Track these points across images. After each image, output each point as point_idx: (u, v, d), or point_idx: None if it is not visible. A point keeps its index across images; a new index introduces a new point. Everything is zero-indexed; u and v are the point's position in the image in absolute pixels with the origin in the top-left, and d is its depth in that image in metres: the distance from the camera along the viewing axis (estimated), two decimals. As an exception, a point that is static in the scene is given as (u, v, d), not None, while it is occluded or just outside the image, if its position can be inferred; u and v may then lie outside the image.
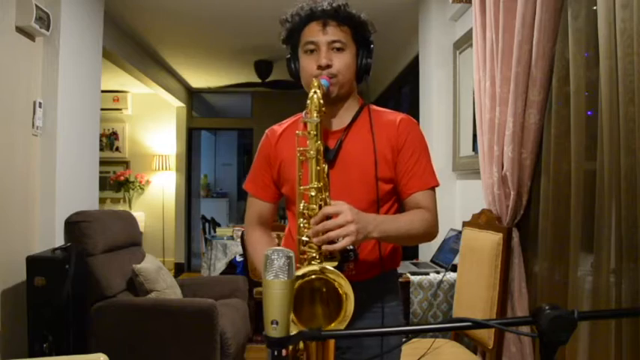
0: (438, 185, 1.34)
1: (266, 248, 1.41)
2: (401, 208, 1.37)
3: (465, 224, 2.46)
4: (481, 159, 2.36)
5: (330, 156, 1.27)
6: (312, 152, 1.16)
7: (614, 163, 1.47)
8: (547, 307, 0.76)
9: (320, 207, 1.16)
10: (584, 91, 1.70)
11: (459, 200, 3.23)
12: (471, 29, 2.67)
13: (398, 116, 1.36)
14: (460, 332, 2.34)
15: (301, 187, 1.19)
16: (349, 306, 1.08)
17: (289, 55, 1.35)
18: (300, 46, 1.30)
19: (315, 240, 1.12)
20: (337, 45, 1.26)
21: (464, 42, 3.09)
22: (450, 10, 3.22)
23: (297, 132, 1.21)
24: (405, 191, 1.31)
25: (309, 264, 1.14)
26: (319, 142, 1.16)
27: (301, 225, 1.19)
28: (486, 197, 2.30)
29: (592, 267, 1.64)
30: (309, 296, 1.12)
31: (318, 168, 1.17)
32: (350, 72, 1.29)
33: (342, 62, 1.27)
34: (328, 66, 1.25)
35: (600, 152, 1.55)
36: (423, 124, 3.60)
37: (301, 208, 1.18)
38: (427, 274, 2.67)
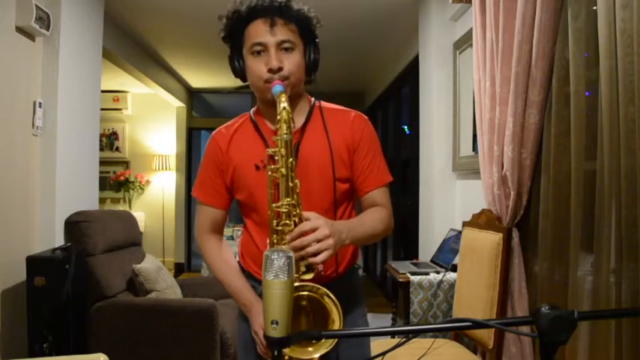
0: (392, 181, 1.35)
1: (222, 256, 1.40)
2: (356, 206, 1.37)
3: (465, 224, 2.46)
4: (481, 159, 2.36)
5: None
6: (283, 170, 1.15)
7: (614, 163, 1.47)
8: (547, 307, 0.76)
9: (295, 223, 1.15)
10: (584, 91, 1.70)
11: (459, 200, 3.23)
12: (470, 29, 2.67)
13: (350, 114, 1.34)
14: (460, 332, 2.34)
15: (274, 205, 1.17)
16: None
17: (230, 54, 1.29)
18: (246, 47, 1.24)
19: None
20: (286, 45, 1.21)
21: (464, 42, 3.09)
22: (450, 10, 3.22)
23: (267, 150, 1.20)
24: (361, 189, 1.32)
25: None
26: (291, 159, 1.15)
27: (275, 241, 1.18)
28: (486, 197, 2.30)
29: (592, 267, 1.64)
30: (296, 311, 1.12)
31: (291, 184, 1.15)
32: (301, 71, 1.26)
33: (293, 63, 1.22)
34: (280, 69, 1.20)
35: (600, 152, 1.55)
36: (423, 124, 3.60)
37: (274, 224, 1.17)
38: (427, 274, 2.67)
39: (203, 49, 5.02)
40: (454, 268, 2.57)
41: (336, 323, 1.09)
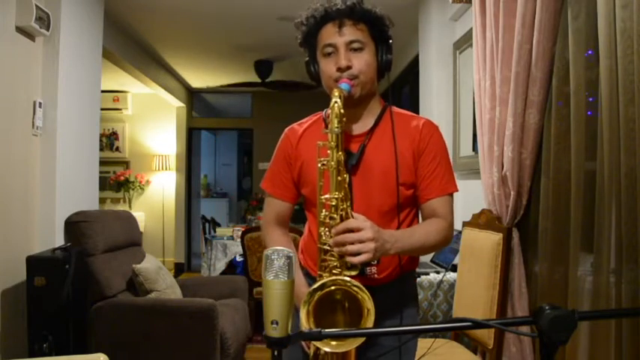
0: (456, 191, 1.34)
1: (285, 248, 1.41)
2: (419, 213, 1.37)
3: (464, 224, 2.46)
4: (481, 159, 2.36)
5: (352, 161, 1.27)
6: (332, 163, 1.16)
7: (614, 163, 1.47)
8: (547, 307, 0.76)
9: (341, 217, 1.16)
10: (584, 91, 1.70)
11: (459, 200, 3.21)
12: (470, 29, 2.67)
13: (420, 120, 1.35)
14: (460, 332, 2.34)
15: (322, 197, 1.18)
16: (369, 322, 1.08)
17: (308, 58, 1.34)
18: (319, 49, 1.29)
19: (336, 249, 1.13)
20: (355, 45, 1.25)
21: (464, 42, 3.09)
22: (450, 10, 3.22)
23: (318, 142, 1.20)
24: (423, 196, 1.31)
25: (330, 272, 1.16)
26: (340, 152, 1.16)
27: (322, 233, 1.19)
28: (486, 197, 2.30)
29: (592, 267, 1.64)
30: (331, 305, 1.13)
31: (340, 178, 1.17)
32: (371, 70, 1.28)
33: (362, 62, 1.25)
34: (348, 67, 1.23)
35: (600, 152, 1.55)
36: (423, 124, 3.60)
37: (322, 217, 1.19)
38: (427, 274, 2.67)
39: (203, 49, 5.02)
40: (454, 268, 2.57)
41: (371, 312, 1.08)
